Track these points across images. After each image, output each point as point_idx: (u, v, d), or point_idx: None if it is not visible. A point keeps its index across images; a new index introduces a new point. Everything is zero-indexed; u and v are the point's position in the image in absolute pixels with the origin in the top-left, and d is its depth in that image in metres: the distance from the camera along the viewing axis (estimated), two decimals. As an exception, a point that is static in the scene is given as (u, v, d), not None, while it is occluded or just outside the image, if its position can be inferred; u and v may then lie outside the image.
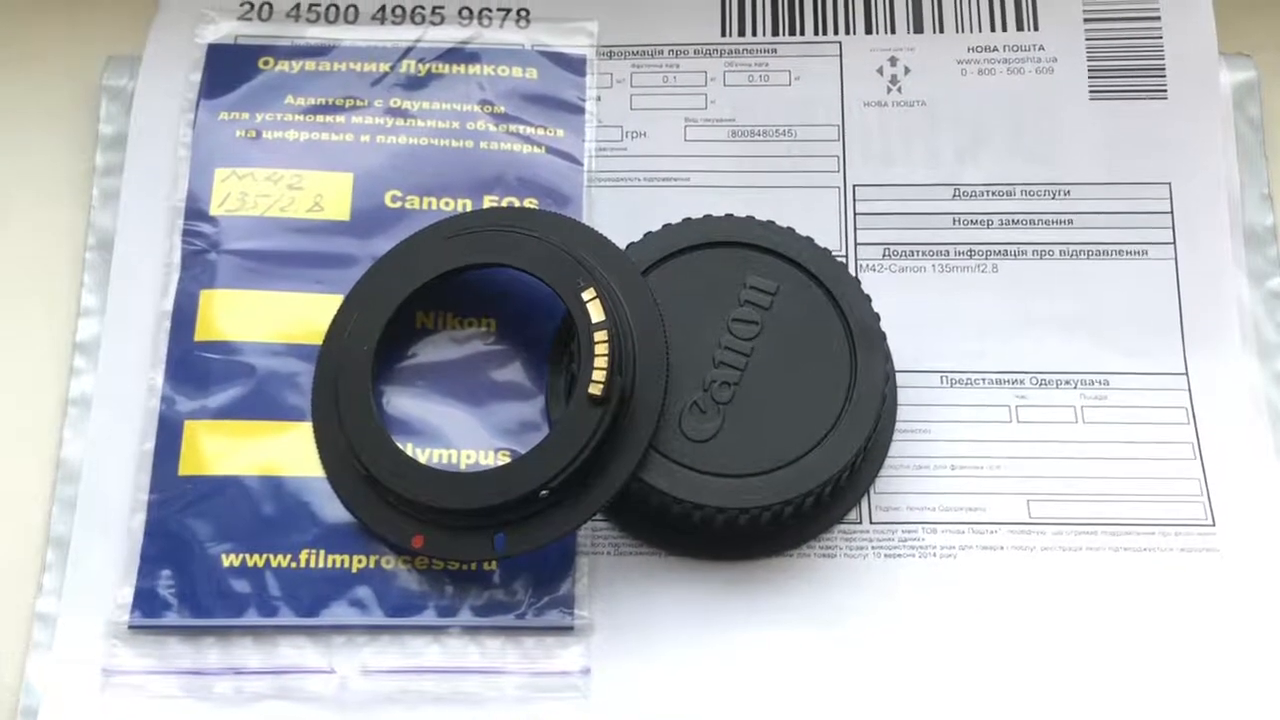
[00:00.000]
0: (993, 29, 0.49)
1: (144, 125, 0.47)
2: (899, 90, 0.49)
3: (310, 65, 0.48)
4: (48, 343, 0.45)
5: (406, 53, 0.48)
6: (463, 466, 0.42)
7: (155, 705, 0.40)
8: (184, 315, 0.44)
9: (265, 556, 0.41)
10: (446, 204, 0.46)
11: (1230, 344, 0.45)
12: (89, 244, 0.46)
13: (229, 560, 0.41)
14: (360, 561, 0.41)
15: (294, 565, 0.41)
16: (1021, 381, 0.45)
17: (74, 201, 0.47)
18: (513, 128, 0.47)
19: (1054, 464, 0.44)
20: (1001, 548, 0.43)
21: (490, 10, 0.49)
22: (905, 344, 0.45)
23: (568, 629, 0.41)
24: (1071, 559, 0.43)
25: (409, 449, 0.42)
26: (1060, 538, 0.43)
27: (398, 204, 0.46)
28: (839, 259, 0.44)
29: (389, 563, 0.42)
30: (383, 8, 0.49)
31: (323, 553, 0.41)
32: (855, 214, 0.47)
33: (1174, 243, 0.47)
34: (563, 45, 0.49)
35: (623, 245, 0.43)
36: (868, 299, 0.43)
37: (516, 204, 0.46)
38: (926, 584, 0.42)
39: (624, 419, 0.40)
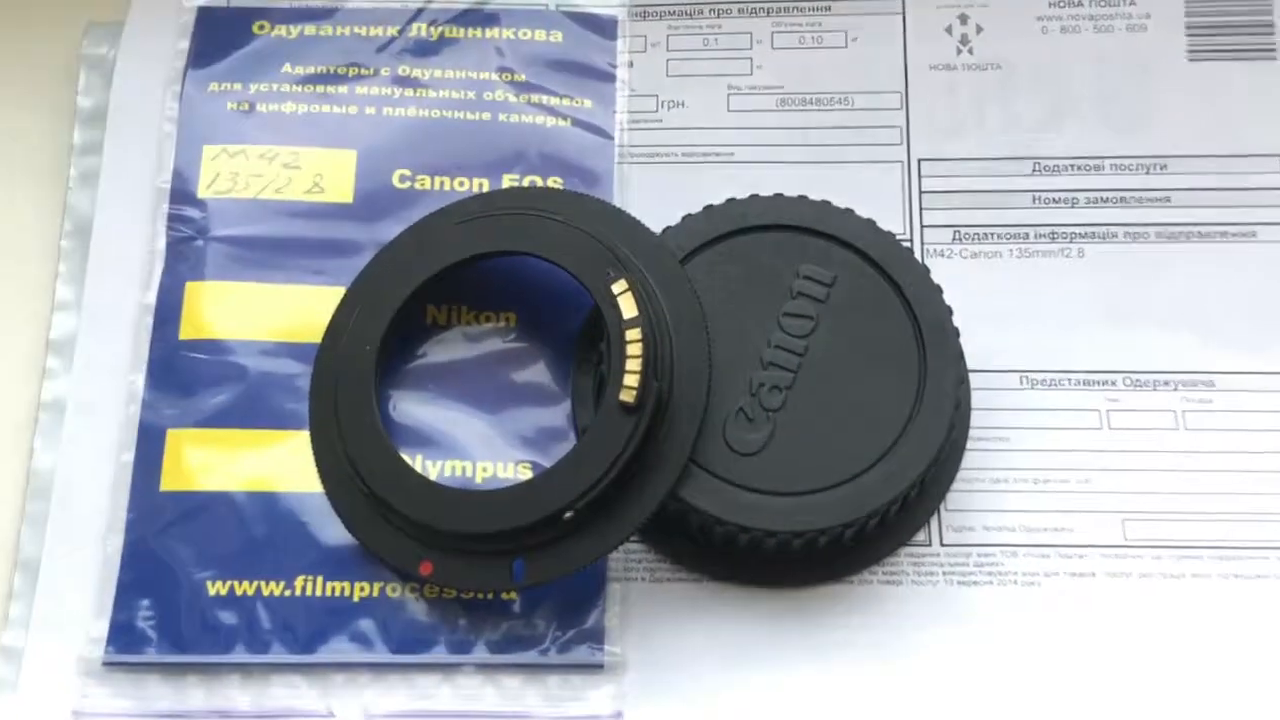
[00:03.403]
0: (1077, -19, 0.49)
1: (126, 98, 0.46)
2: (970, 51, 0.47)
3: (310, 29, 0.47)
4: (18, 340, 0.44)
5: (417, 14, 0.47)
6: (478, 481, 0.41)
7: (133, 751, 0.39)
8: (168, 310, 0.43)
9: (256, 584, 0.40)
10: (461, 184, 0.44)
11: (1353, 339, 0.44)
12: (65, 230, 0.45)
13: (215, 588, 0.40)
14: (363, 590, 0.40)
15: (288, 594, 0.40)
16: (1113, 383, 0.43)
17: (49, 183, 0.46)
18: (535, 98, 0.46)
19: (1152, 477, 0.42)
20: (1093, 574, 0.41)
21: (510, -34, 0.49)
22: (979, 340, 0.42)
23: (597, 666, 0.39)
24: (1173, 586, 0.41)
25: (418, 462, 0.41)
26: (1160, 563, 0.41)
27: (406, 184, 0.44)
28: (904, 244, 0.42)
29: (395, 591, 0.40)
30: (390, -36, 0.48)
31: (320, 580, 0.40)
32: (921, 192, 0.45)
33: (1287, 223, 0.45)
34: (591, 5, 0.47)
35: (658, 230, 0.42)
36: (938, 290, 0.41)
37: (539, 184, 0.44)
38: (1005, 615, 0.40)
39: (660, 428, 0.38)
